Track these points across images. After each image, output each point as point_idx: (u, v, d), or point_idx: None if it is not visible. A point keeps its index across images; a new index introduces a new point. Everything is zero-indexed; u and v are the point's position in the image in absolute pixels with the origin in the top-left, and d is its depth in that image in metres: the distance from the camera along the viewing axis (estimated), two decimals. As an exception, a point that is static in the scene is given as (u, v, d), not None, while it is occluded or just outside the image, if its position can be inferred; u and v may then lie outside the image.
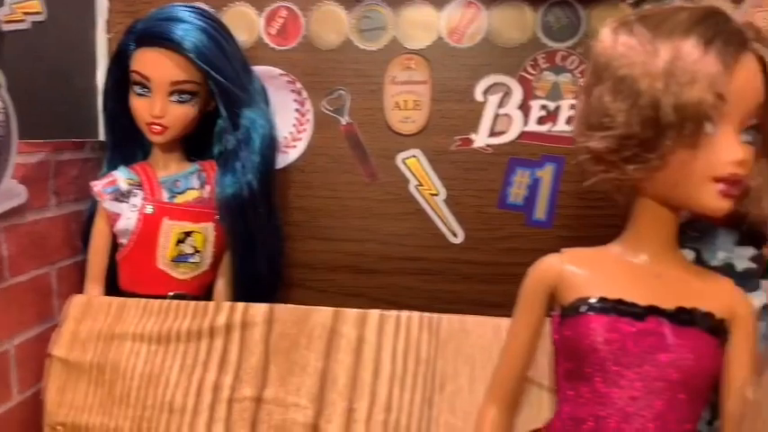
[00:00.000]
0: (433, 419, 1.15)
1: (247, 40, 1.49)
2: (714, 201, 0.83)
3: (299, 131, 1.52)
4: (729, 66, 0.79)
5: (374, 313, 1.22)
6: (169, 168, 1.39)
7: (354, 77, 1.49)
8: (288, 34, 1.50)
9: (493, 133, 1.46)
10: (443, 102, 1.47)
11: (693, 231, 1.03)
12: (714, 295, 0.88)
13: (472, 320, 1.17)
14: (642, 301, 0.85)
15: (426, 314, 1.21)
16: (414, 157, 1.50)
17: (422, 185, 1.50)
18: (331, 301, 1.27)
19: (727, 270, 0.99)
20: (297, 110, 1.52)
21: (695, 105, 0.78)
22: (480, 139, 1.47)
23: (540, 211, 1.47)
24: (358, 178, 1.51)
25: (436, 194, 1.50)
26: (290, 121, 1.52)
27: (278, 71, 1.50)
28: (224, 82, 1.31)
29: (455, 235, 1.51)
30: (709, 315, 0.85)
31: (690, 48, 0.79)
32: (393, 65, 1.47)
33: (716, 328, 0.85)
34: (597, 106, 0.86)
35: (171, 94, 1.30)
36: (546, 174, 1.46)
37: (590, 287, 0.88)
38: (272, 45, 1.51)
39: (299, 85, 1.51)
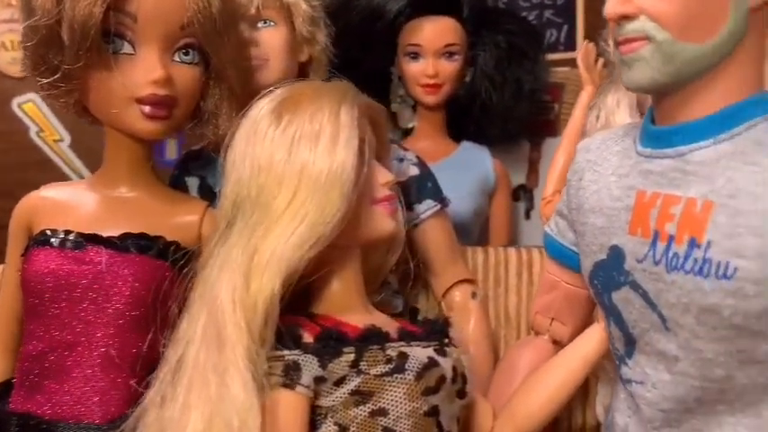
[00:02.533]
0: None
1: None
2: (139, 122, 0.79)
3: None
4: None
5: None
6: None
7: (-50, 17, 1.37)
8: None
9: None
10: (53, 40, 1.37)
11: (198, 159, 1.00)
12: (179, 219, 0.84)
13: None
14: (90, 230, 0.81)
15: None
16: (30, 101, 1.40)
17: (43, 132, 1.41)
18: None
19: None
20: None
21: (83, 22, 0.73)
22: (99, 78, 1.38)
23: (171, 151, 1.41)
24: (-26, 128, 1.41)
25: (60, 140, 1.41)
26: None
27: None
28: None
29: (86, 182, 1.42)
30: (157, 239, 0.81)
31: None
32: (-8, 2, 1.36)
33: (164, 252, 0.81)
34: None
35: None
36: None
37: (53, 220, 0.83)
38: None
39: None
